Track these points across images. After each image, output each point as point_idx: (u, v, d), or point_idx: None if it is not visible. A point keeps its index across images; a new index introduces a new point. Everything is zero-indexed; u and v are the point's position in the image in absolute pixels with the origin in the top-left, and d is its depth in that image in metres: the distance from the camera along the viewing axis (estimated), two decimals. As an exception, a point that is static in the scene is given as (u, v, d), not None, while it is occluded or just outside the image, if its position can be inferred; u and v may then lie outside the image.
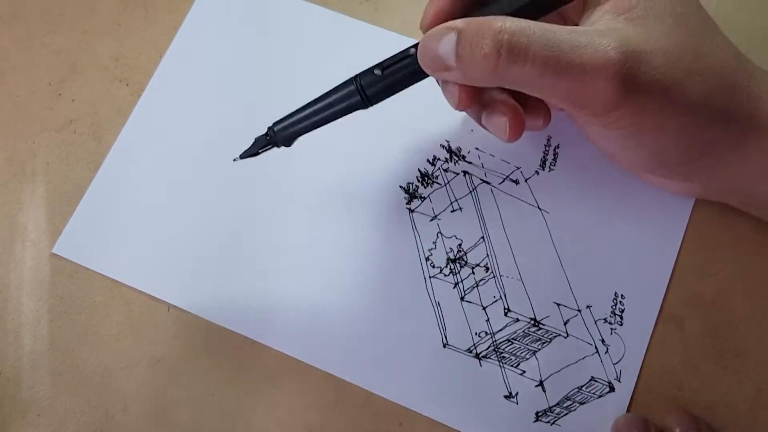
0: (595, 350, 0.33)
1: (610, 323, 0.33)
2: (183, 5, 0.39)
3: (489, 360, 0.33)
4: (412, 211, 0.35)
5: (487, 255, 0.34)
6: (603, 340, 0.33)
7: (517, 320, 0.33)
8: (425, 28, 0.29)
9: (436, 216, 0.35)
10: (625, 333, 0.33)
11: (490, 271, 0.34)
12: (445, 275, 0.34)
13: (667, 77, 0.26)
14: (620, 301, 0.33)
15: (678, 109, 0.27)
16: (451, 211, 0.35)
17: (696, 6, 0.28)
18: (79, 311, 0.34)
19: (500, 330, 0.33)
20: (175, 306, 0.34)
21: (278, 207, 0.35)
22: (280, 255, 0.34)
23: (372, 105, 0.30)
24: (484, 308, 0.33)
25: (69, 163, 0.36)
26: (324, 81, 0.37)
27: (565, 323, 0.33)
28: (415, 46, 0.29)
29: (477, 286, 0.34)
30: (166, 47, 0.38)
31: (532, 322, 0.33)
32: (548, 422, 0.32)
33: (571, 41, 0.25)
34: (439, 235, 0.34)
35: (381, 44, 0.37)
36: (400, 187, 0.35)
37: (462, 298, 0.34)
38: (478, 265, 0.34)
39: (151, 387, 0.33)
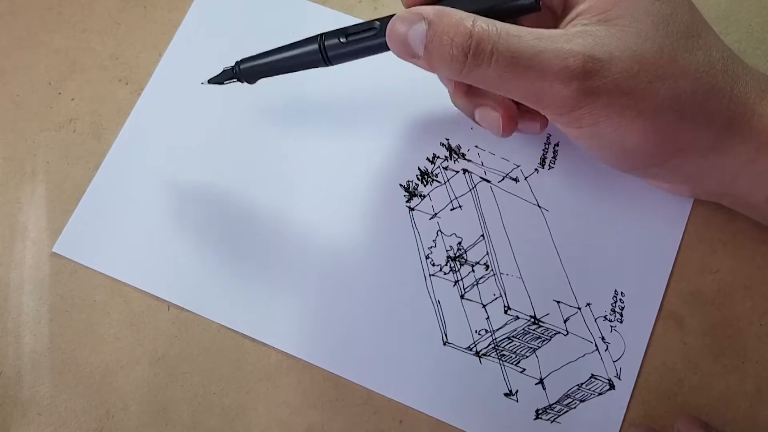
0: (595, 348, 0.33)
1: (610, 321, 0.33)
2: (182, 4, 0.39)
3: (489, 358, 0.33)
4: (411, 209, 0.35)
5: (487, 253, 0.34)
6: (603, 338, 0.33)
7: (517, 318, 0.33)
8: (406, 4, 0.29)
9: (435, 214, 0.35)
10: (625, 330, 0.33)
11: (490, 269, 0.34)
12: (445, 273, 0.34)
13: (629, 82, 0.26)
14: (620, 299, 0.33)
15: (639, 112, 0.27)
16: (451, 209, 0.35)
17: (685, 5, 0.28)
18: (79, 310, 0.34)
19: (500, 328, 0.33)
20: (175, 304, 0.34)
21: (278, 205, 0.35)
22: (280, 253, 0.34)
23: (332, 65, 0.31)
24: (484, 306, 0.33)
25: (69, 162, 0.36)
26: (323, 79, 0.37)
27: (565, 321, 0.33)
28: (381, 20, 0.29)
29: (477, 284, 0.34)
30: (165, 46, 0.38)
31: (532, 319, 0.33)
32: (548, 420, 0.32)
33: (533, 47, 0.26)
34: (439, 233, 0.34)
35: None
36: (400, 185, 0.35)
37: (462, 296, 0.34)
38: (478, 263, 0.34)
39: (152, 385, 0.33)
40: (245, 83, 0.33)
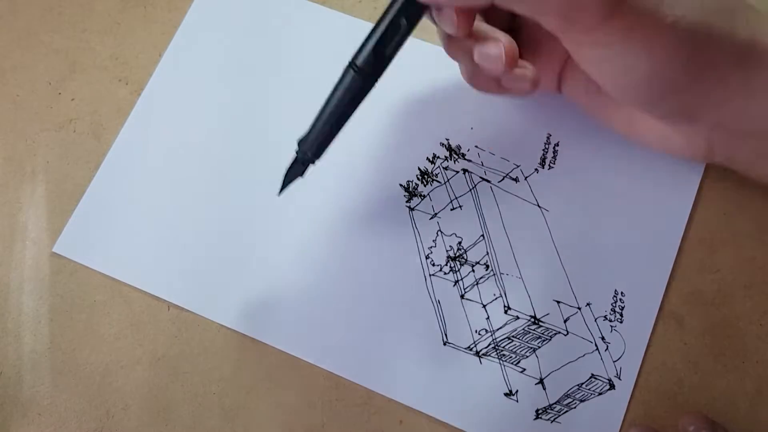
0: (595, 348, 0.33)
1: (610, 321, 0.33)
2: (182, 4, 0.39)
3: (489, 358, 0.33)
4: (412, 209, 0.35)
5: (487, 253, 0.34)
6: (603, 338, 0.33)
7: (517, 318, 0.33)
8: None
9: (435, 214, 0.35)
10: (625, 330, 0.33)
11: (490, 268, 0.34)
12: (445, 273, 0.34)
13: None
14: (620, 299, 0.33)
15: (670, 24, 0.26)
16: (451, 209, 0.35)
17: None
18: (79, 310, 0.34)
19: (500, 328, 0.33)
20: (175, 304, 0.34)
21: (278, 205, 0.35)
22: (280, 253, 0.34)
23: (377, 79, 0.30)
24: (484, 306, 0.33)
25: (69, 162, 0.36)
26: (323, 79, 0.37)
27: (565, 321, 0.33)
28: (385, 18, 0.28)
29: (477, 284, 0.34)
30: (165, 46, 0.38)
31: (532, 319, 0.33)
32: (548, 420, 0.32)
33: None
34: (439, 233, 0.34)
35: (380, 42, 0.37)
36: (400, 185, 0.35)
37: (462, 296, 0.34)
38: (478, 263, 0.34)
39: (152, 386, 0.33)
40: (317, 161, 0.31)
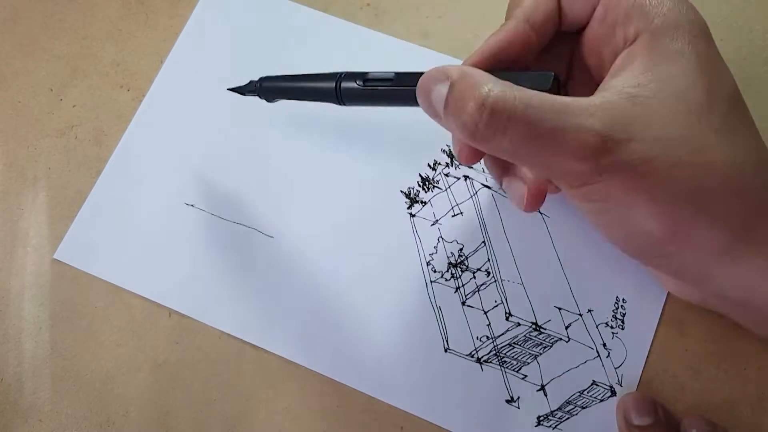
0: (597, 354, 0.33)
1: (612, 327, 0.33)
2: (184, 11, 0.39)
3: (490, 364, 0.33)
4: (413, 215, 0.35)
5: (488, 259, 0.34)
6: (604, 344, 0.33)
7: (519, 324, 0.33)
8: (467, 63, 0.28)
9: (437, 221, 0.35)
10: (627, 337, 0.33)
11: (491, 275, 0.34)
12: (446, 280, 0.34)
13: (646, 165, 0.24)
14: (621, 305, 0.33)
15: (653, 197, 0.25)
16: (452, 216, 0.35)
17: (725, 98, 0.26)
18: (80, 317, 0.34)
19: (501, 334, 0.33)
20: (176, 311, 0.34)
21: (279, 211, 0.35)
22: (282, 260, 0.34)
23: (345, 105, 0.31)
24: (485, 313, 0.33)
25: (70, 168, 0.37)
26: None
27: (566, 327, 0.33)
28: (399, 73, 0.29)
29: (478, 290, 0.34)
30: (167, 53, 0.38)
31: (534, 326, 0.33)
32: (550, 426, 0.32)
33: (551, 120, 0.24)
34: (440, 239, 0.34)
35: (381, 49, 0.37)
36: (401, 191, 0.35)
37: (463, 303, 0.34)
38: (479, 269, 0.34)
39: (153, 392, 0.33)
40: (264, 100, 0.33)
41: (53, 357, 0.34)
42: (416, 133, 0.36)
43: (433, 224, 0.35)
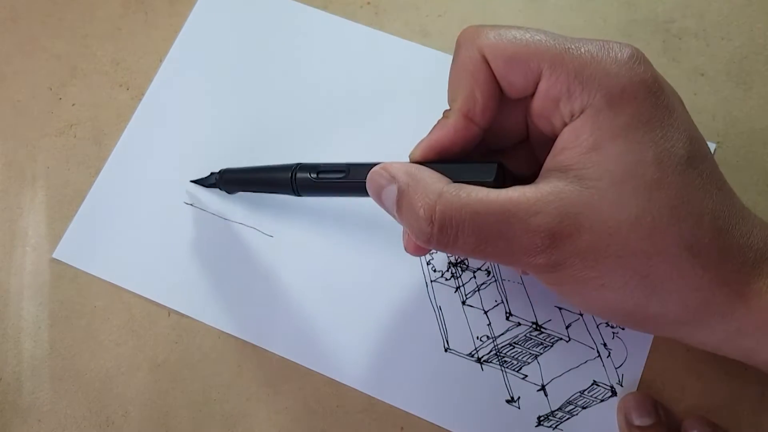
0: (597, 354, 0.33)
1: (612, 327, 0.33)
2: (183, 9, 0.39)
3: (491, 364, 0.33)
4: (413, 215, 0.35)
5: (489, 259, 0.34)
6: (605, 344, 0.33)
7: (519, 324, 0.33)
8: (411, 159, 0.28)
9: (437, 220, 0.35)
10: (627, 337, 0.33)
11: (491, 275, 0.34)
12: (446, 279, 0.34)
13: (596, 255, 0.24)
14: (622, 305, 0.33)
15: (603, 285, 0.25)
16: (452, 215, 0.35)
17: (677, 170, 0.24)
18: (79, 316, 0.34)
19: (502, 334, 0.33)
20: (175, 311, 0.34)
21: (278, 210, 0.35)
22: (281, 259, 0.34)
23: (301, 197, 0.31)
24: (485, 312, 0.33)
25: (69, 167, 0.36)
26: (324, 85, 0.37)
27: (566, 327, 0.33)
28: (351, 165, 0.29)
29: (478, 290, 0.34)
30: (166, 52, 0.38)
31: (534, 326, 0.33)
32: (550, 426, 0.32)
33: (500, 221, 0.24)
34: (441, 239, 0.34)
35: (381, 48, 0.37)
36: (401, 190, 0.35)
37: (463, 303, 0.33)
38: (479, 268, 0.34)
39: (152, 392, 0.33)
40: (225, 192, 0.35)
41: (52, 356, 0.34)
42: (417, 132, 0.36)
43: (433, 223, 0.35)
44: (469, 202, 0.25)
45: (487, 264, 0.34)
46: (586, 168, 0.24)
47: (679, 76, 0.36)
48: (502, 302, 0.33)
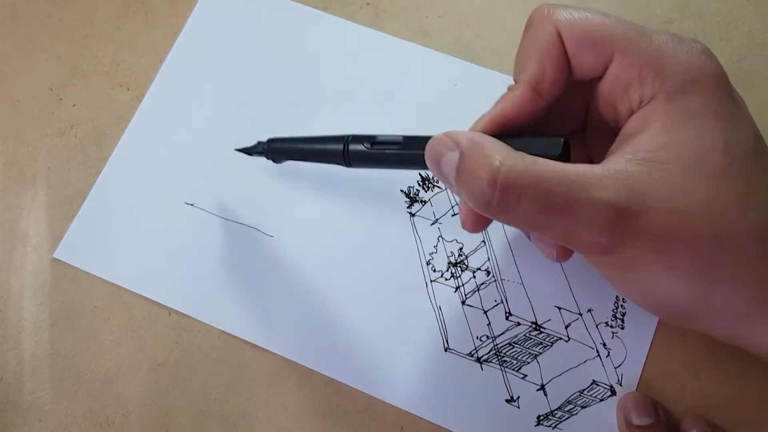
0: (597, 354, 0.33)
1: (612, 327, 0.33)
2: (184, 10, 0.39)
3: (490, 364, 0.33)
4: (413, 215, 0.35)
5: (488, 259, 0.34)
6: (604, 344, 0.33)
7: (519, 324, 0.33)
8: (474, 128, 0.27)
9: (437, 220, 0.35)
10: (627, 336, 0.33)
11: (491, 275, 0.34)
12: (446, 279, 0.34)
13: (662, 238, 0.24)
14: (621, 305, 0.33)
15: (669, 269, 0.25)
16: (452, 215, 0.35)
17: (749, 155, 0.24)
18: (80, 316, 0.34)
19: (501, 334, 0.33)
20: (175, 310, 0.34)
21: (279, 210, 0.35)
22: (281, 259, 0.34)
23: (352, 168, 0.31)
24: (485, 312, 0.33)
25: (70, 167, 0.36)
26: (324, 86, 0.37)
27: (566, 327, 0.33)
28: (407, 137, 0.29)
29: (478, 290, 0.34)
30: (166, 52, 0.38)
31: (534, 326, 0.33)
32: (550, 426, 0.32)
33: (564, 194, 0.24)
34: (440, 239, 0.34)
35: (381, 49, 0.37)
36: (401, 191, 0.35)
37: (463, 302, 0.34)
38: (479, 269, 0.34)
39: (152, 392, 0.33)
40: (271, 161, 0.34)
41: (53, 356, 0.34)
42: (416, 131, 0.36)
43: (433, 223, 0.35)
44: (535, 168, 0.24)
45: (487, 264, 0.34)
46: (655, 151, 0.24)
47: (679, 77, 0.36)
48: (502, 302, 0.33)
